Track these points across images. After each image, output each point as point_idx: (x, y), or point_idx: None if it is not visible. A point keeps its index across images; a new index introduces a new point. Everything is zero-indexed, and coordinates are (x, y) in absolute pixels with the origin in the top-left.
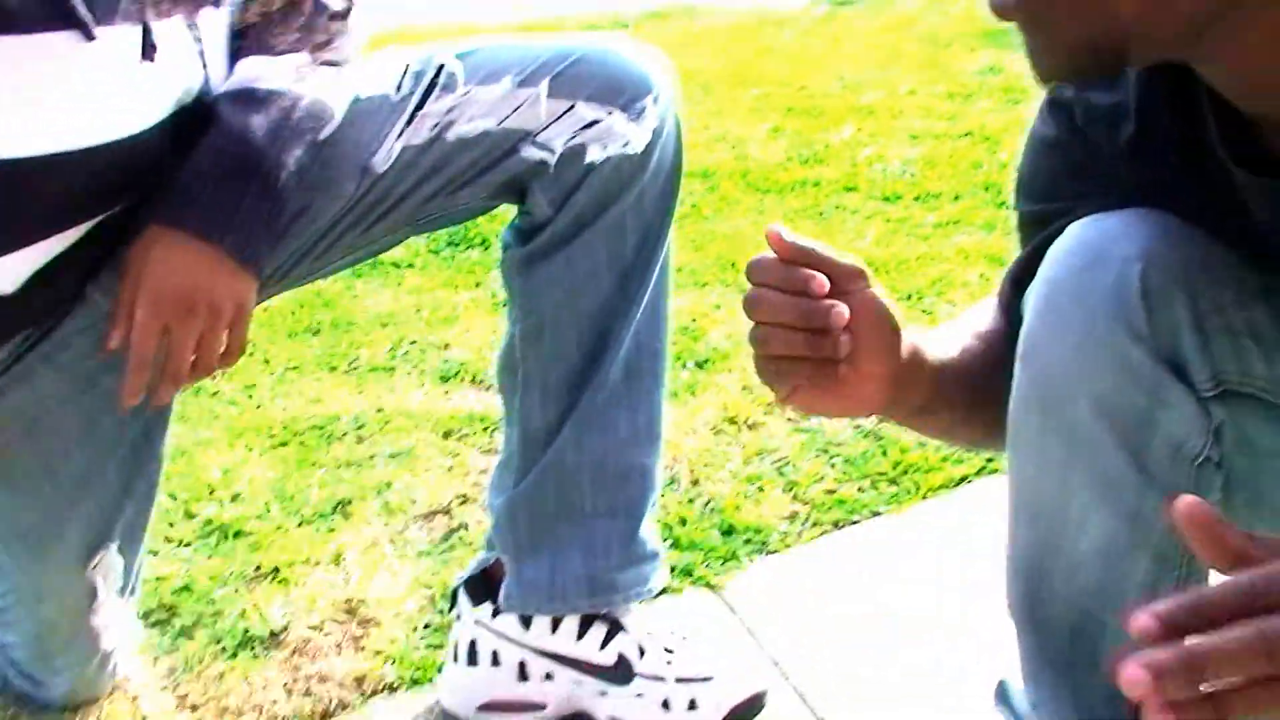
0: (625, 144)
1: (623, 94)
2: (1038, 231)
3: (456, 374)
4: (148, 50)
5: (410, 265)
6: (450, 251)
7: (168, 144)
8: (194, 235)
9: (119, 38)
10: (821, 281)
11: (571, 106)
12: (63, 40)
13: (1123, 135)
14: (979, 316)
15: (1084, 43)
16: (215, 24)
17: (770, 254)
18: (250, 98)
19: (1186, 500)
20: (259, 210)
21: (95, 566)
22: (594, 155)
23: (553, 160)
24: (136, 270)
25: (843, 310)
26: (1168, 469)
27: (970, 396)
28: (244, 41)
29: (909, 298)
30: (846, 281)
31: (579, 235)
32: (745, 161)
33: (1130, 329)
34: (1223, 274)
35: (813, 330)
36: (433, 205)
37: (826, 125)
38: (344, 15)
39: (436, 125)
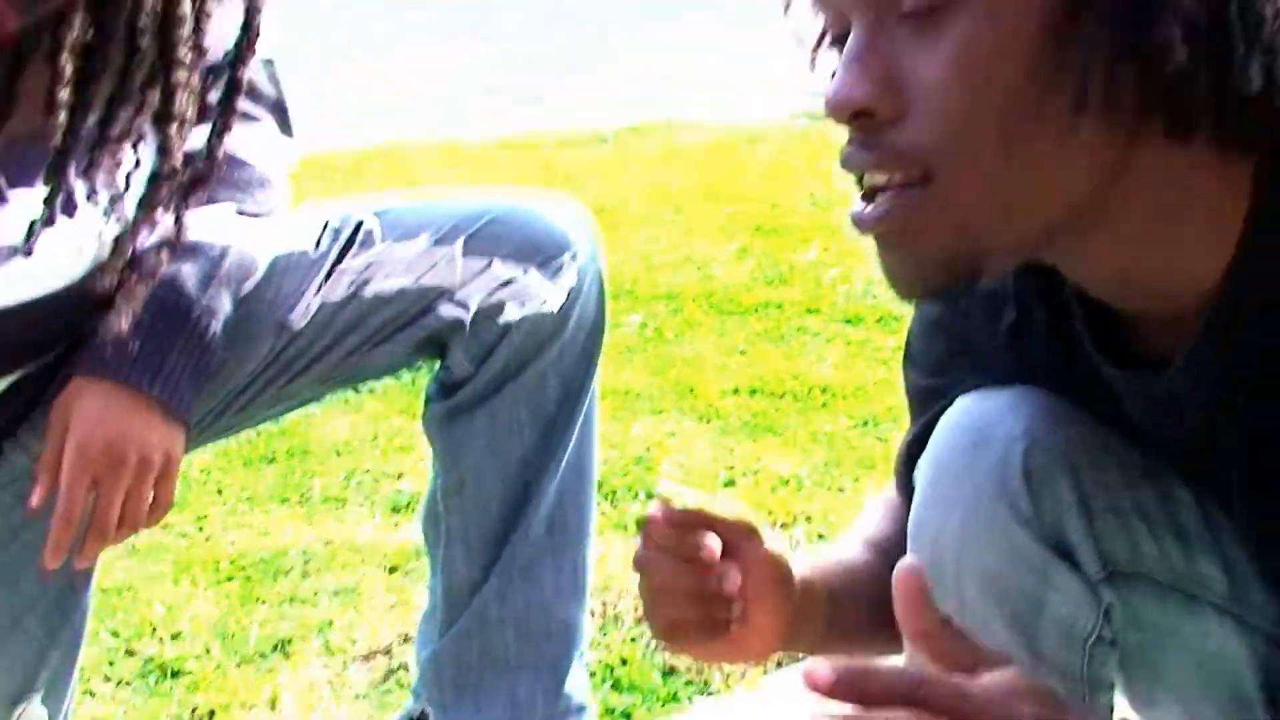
0: (542, 303)
1: (539, 252)
2: (928, 403)
3: (408, 505)
4: (66, 208)
5: (370, 391)
6: (410, 377)
7: (86, 300)
8: (121, 383)
9: (35, 197)
10: (712, 549)
11: (488, 265)
12: None
13: (1003, 323)
14: (874, 519)
15: (940, 260)
16: (137, 178)
17: (662, 512)
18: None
19: (907, 564)
20: (188, 358)
21: (18, 717)
22: (511, 314)
23: (469, 318)
24: (62, 422)
25: (735, 576)
26: (1059, 649)
27: (869, 617)
28: None
29: (865, 424)
30: (739, 540)
31: (499, 391)
32: (710, 283)
33: (1015, 511)
34: (1107, 454)
35: (705, 594)
36: (351, 361)
37: (794, 245)
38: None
39: (354, 282)
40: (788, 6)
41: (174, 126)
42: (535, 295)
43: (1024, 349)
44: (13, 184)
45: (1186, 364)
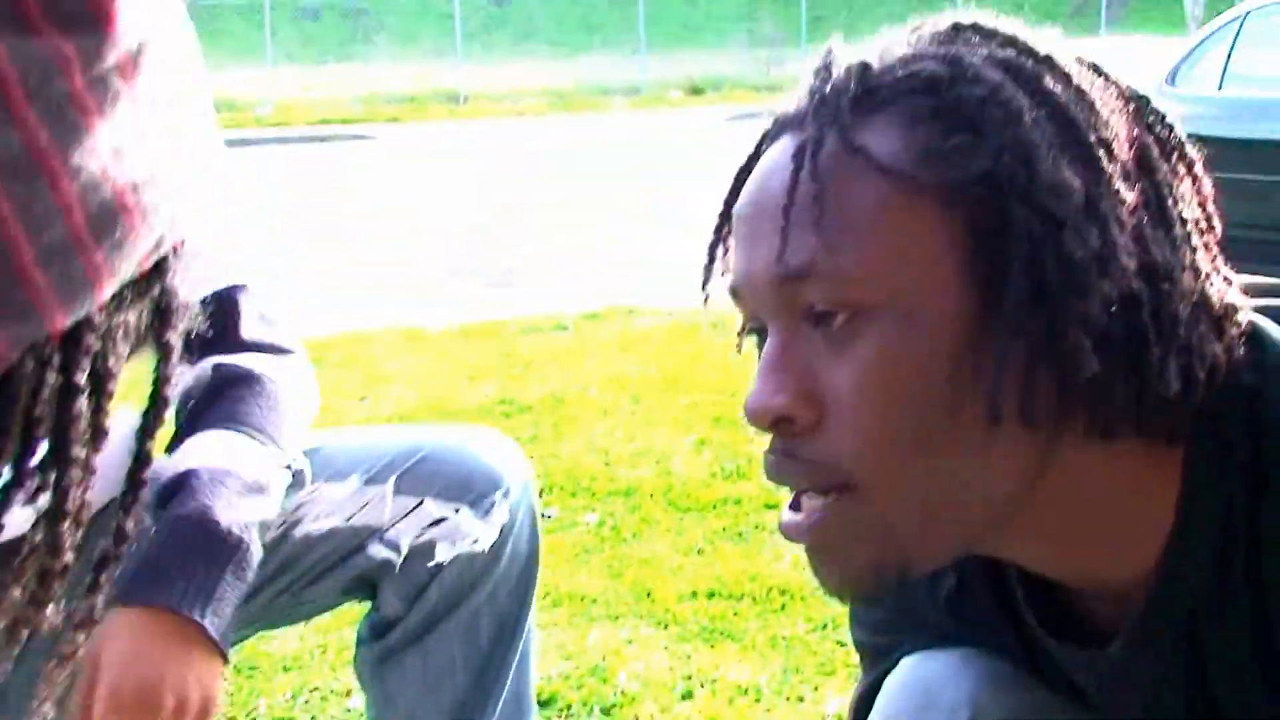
0: (474, 541)
1: (471, 490)
2: (875, 659)
3: None
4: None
5: None
6: None
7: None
8: (168, 610)
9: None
10: None
11: (419, 503)
12: None
13: (943, 590)
14: None
15: (866, 567)
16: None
17: None
18: (218, 476)
19: None
20: (233, 589)
21: None
22: (442, 554)
23: (399, 559)
24: (94, 662)
25: None
26: None
27: None
28: (202, 411)
29: (824, 627)
30: None
31: (431, 631)
32: (669, 478)
33: None
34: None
35: None
36: (280, 602)
37: (751, 436)
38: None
39: (284, 523)
40: (706, 299)
41: (66, 524)
42: (467, 534)
43: (966, 617)
44: None
45: (1128, 641)
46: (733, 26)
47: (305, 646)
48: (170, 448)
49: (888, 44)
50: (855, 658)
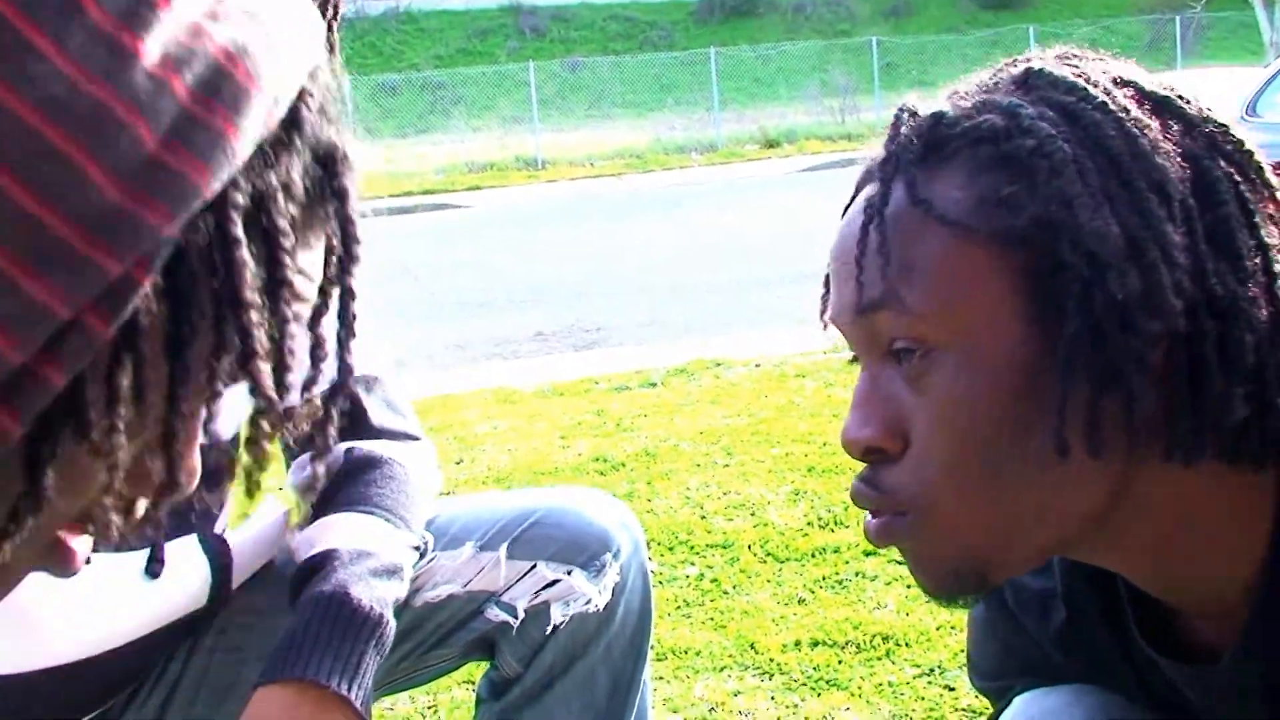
0: (587, 602)
1: (582, 552)
2: (997, 701)
3: None
4: (152, 566)
5: None
6: None
7: (178, 637)
8: (314, 685)
9: (121, 558)
10: None
11: (532, 567)
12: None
13: (1054, 622)
14: None
15: (948, 572)
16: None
17: None
18: (357, 557)
19: None
20: (374, 663)
21: None
22: (556, 615)
23: (516, 621)
24: None
25: None
26: None
27: None
28: (336, 494)
29: (930, 672)
30: None
31: (549, 690)
32: (765, 529)
33: None
34: None
35: None
36: (404, 667)
37: (846, 484)
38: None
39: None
40: (825, 325)
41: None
42: (579, 595)
43: (1078, 647)
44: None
45: (1237, 656)
46: (804, 79)
47: (416, 707)
48: (303, 528)
49: (962, 92)
50: (963, 702)
